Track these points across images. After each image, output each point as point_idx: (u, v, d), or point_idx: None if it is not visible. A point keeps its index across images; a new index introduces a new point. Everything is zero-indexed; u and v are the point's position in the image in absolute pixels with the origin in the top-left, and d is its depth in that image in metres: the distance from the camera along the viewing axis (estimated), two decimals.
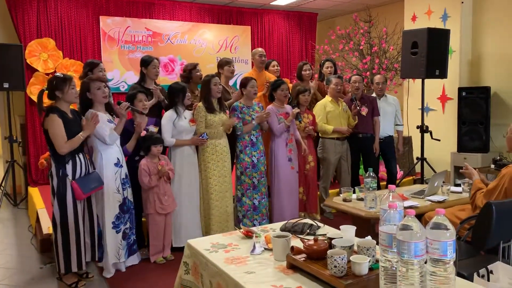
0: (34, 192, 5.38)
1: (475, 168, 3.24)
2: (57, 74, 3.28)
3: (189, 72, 4.50)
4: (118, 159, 3.50)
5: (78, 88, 3.38)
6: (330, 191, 5.00)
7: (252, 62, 6.07)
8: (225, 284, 1.82)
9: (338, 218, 4.79)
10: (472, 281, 1.78)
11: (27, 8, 5.97)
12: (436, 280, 1.41)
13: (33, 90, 5.96)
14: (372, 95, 5.26)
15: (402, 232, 1.43)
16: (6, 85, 5.48)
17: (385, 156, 5.20)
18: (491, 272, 1.80)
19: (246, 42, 7.73)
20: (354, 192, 3.64)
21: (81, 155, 3.25)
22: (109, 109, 3.55)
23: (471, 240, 2.64)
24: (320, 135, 4.87)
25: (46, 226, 4.06)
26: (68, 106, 3.25)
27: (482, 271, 1.80)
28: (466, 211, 3.11)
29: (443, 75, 5.43)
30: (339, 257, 1.61)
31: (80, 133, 3.19)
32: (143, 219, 3.96)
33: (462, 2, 6.05)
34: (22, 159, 6.22)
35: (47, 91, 3.21)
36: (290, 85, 5.12)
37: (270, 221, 4.32)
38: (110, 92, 3.56)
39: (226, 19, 7.64)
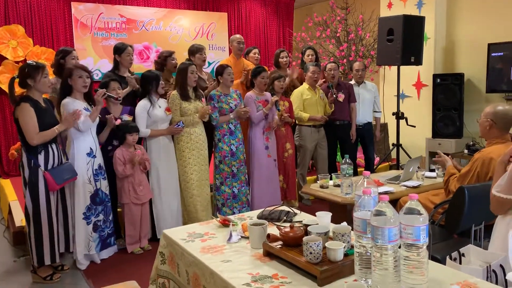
0: (6, 184, 5.23)
1: (448, 154, 3.30)
2: (29, 61, 3.16)
3: (164, 59, 4.42)
4: (91, 148, 3.42)
5: (51, 77, 3.28)
6: (308, 178, 5.02)
7: (230, 49, 6.01)
8: (201, 273, 1.81)
9: (316, 204, 4.84)
10: (445, 264, 1.81)
11: None
12: (410, 264, 1.43)
13: (2, 78, 5.77)
14: (351, 82, 5.28)
15: (376, 218, 1.44)
16: None
17: (363, 142, 5.26)
18: (463, 255, 1.84)
19: (223, 29, 7.64)
20: (331, 179, 3.67)
21: (54, 145, 3.17)
22: (87, 98, 3.46)
23: (444, 224, 2.70)
24: (297, 122, 4.88)
25: (19, 219, 3.96)
26: (41, 95, 3.15)
27: (455, 254, 1.83)
28: (440, 195, 3.17)
29: (418, 62, 5.49)
30: (315, 243, 1.61)
31: (56, 127, 3.11)
32: (118, 209, 3.91)
33: None
34: None
35: (18, 79, 3.09)
36: (269, 72, 5.09)
37: (251, 209, 4.32)
38: (92, 83, 3.47)
39: (202, 5, 7.52)
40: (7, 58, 5.79)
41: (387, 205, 1.45)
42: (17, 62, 5.82)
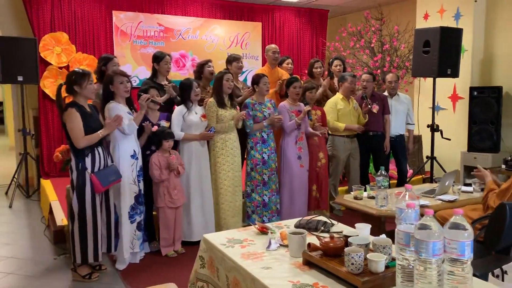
0: (47, 184, 5.45)
1: (486, 169, 3.23)
2: (76, 69, 3.32)
3: (201, 67, 4.54)
4: (134, 151, 3.56)
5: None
6: (339, 188, 5.02)
7: (264, 58, 6.09)
8: (242, 278, 1.85)
9: (347, 215, 4.82)
10: (486, 280, 1.80)
11: (42, 2, 6.02)
12: (454, 279, 1.44)
13: (47, 83, 6.03)
14: (384, 93, 5.26)
15: (420, 231, 1.46)
16: (20, 78, 5.54)
17: (396, 154, 5.21)
18: (506, 272, 1.82)
19: (256, 38, 7.74)
20: (365, 190, 3.66)
21: (100, 148, 3.30)
22: (129, 103, 3.60)
23: (483, 240, 2.66)
24: (330, 132, 4.89)
25: (60, 218, 4.12)
26: (86, 100, 3.30)
27: (497, 271, 1.82)
28: (477, 211, 3.11)
29: (454, 74, 5.42)
30: (357, 254, 1.63)
31: (100, 131, 3.25)
32: (154, 212, 4.01)
33: (476, 1, 6.02)
34: (35, 151, 6.29)
35: (65, 85, 3.24)
36: (302, 82, 5.13)
37: (280, 218, 4.35)
38: (132, 87, 3.61)
39: (237, 15, 7.65)
40: (51, 64, 6.05)
41: (431, 219, 1.47)
42: (60, 68, 6.07)
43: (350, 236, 1.86)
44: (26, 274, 3.53)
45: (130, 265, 3.60)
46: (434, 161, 5.61)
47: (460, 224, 1.44)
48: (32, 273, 3.54)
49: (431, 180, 5.56)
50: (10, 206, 5.48)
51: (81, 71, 3.26)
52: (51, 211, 4.47)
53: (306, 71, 5.44)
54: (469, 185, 3.88)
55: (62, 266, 3.65)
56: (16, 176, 5.89)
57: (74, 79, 3.19)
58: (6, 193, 6.03)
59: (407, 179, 5.48)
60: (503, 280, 1.79)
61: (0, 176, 7.24)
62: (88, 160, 3.20)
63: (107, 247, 3.42)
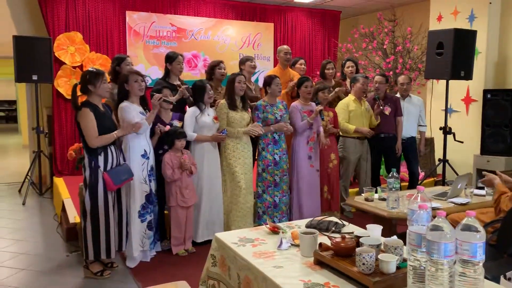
0: (60, 182, 5.52)
1: (494, 172, 3.18)
2: (90, 68, 3.36)
3: (212, 68, 4.56)
4: (145, 150, 3.59)
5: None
6: (350, 190, 5.01)
7: (276, 59, 6.10)
8: (254, 277, 1.87)
9: (357, 217, 4.81)
10: (498, 283, 1.79)
11: (57, 2, 6.09)
12: (465, 281, 1.43)
13: (60, 82, 6.10)
14: (396, 95, 5.23)
15: (432, 233, 1.46)
16: (34, 77, 5.63)
17: (407, 157, 5.18)
18: None
19: (269, 39, 7.75)
20: (376, 192, 3.65)
21: (112, 147, 3.34)
22: (142, 102, 3.64)
23: (495, 243, 2.63)
24: (341, 133, 4.88)
25: (72, 216, 4.17)
26: (100, 100, 3.34)
27: (509, 274, 1.81)
28: (488, 214, 3.08)
29: (468, 76, 5.38)
30: (368, 255, 1.64)
31: (115, 132, 3.29)
32: (165, 211, 4.04)
33: (490, 3, 5.97)
34: (48, 149, 6.38)
35: (79, 85, 3.29)
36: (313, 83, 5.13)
37: (290, 218, 4.35)
38: (146, 86, 3.65)
39: (250, 16, 7.67)
40: (65, 63, 6.12)
41: (443, 221, 1.47)
42: (74, 67, 6.14)
43: (361, 237, 1.86)
44: (38, 270, 3.58)
45: (141, 263, 3.63)
46: (447, 164, 5.57)
47: (472, 226, 1.44)
48: (44, 270, 3.59)
49: (443, 183, 5.52)
50: (24, 204, 5.56)
51: (95, 70, 3.30)
52: (63, 209, 4.53)
53: (318, 72, 5.44)
54: (482, 188, 3.84)
55: (74, 263, 3.69)
56: (29, 174, 5.97)
57: (88, 79, 3.24)
58: (20, 190, 6.12)
59: (419, 182, 5.45)
60: None
61: (13, 174, 7.37)
62: (101, 159, 3.24)
63: (118, 245, 3.46)
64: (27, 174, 6.01)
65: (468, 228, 1.45)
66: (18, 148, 11.18)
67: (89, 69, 3.37)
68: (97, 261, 3.42)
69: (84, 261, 3.43)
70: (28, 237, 4.39)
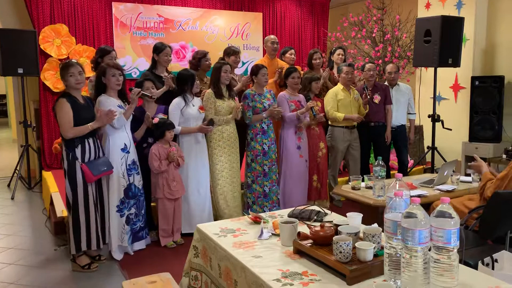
0: (48, 176, 5.48)
1: (485, 159, 3.21)
2: (67, 61, 3.34)
3: (198, 60, 4.52)
4: (125, 144, 3.56)
5: (90, 74, 3.43)
6: (339, 179, 5.01)
7: (264, 49, 6.06)
8: (233, 267, 1.87)
9: (347, 206, 4.82)
10: (476, 269, 1.80)
11: None
12: (440, 267, 1.44)
13: (47, 75, 6.04)
14: (385, 83, 5.23)
15: (407, 220, 1.46)
16: (20, 71, 5.56)
17: (396, 145, 5.19)
18: (496, 260, 1.82)
19: (257, 29, 7.69)
20: (363, 181, 3.66)
21: (90, 140, 3.32)
22: (121, 95, 3.60)
23: (478, 229, 2.65)
24: (329, 123, 4.87)
25: (60, 209, 4.15)
26: (78, 92, 3.31)
27: (487, 259, 1.82)
28: (475, 200, 3.10)
29: (456, 63, 5.37)
30: (344, 243, 1.64)
31: (90, 124, 3.26)
32: (152, 203, 4.03)
33: None
34: (36, 143, 6.33)
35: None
36: (302, 73, 5.11)
37: (281, 208, 4.36)
38: (125, 80, 3.60)
39: (238, 6, 7.60)
40: (51, 56, 6.05)
41: (418, 208, 1.47)
42: (60, 60, 6.07)
43: (340, 225, 1.86)
44: (26, 264, 3.57)
45: (129, 256, 3.62)
46: (435, 151, 5.59)
47: (446, 212, 1.44)
48: (33, 264, 3.58)
49: (432, 170, 5.54)
50: (12, 198, 5.53)
51: (64, 63, 3.30)
52: (52, 203, 4.50)
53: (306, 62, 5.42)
54: (469, 175, 3.86)
55: (62, 257, 3.69)
56: (18, 168, 5.93)
57: (60, 72, 3.28)
58: (9, 185, 6.09)
59: (408, 170, 5.47)
60: (493, 268, 1.79)
61: (3, 168, 7.31)
62: (78, 151, 3.23)
63: (102, 238, 3.45)
64: (15, 168, 5.96)
65: (442, 214, 1.45)
66: (8, 143, 11.08)
67: (66, 61, 3.35)
68: (84, 254, 3.41)
69: (71, 254, 3.42)
70: (17, 231, 4.37)
